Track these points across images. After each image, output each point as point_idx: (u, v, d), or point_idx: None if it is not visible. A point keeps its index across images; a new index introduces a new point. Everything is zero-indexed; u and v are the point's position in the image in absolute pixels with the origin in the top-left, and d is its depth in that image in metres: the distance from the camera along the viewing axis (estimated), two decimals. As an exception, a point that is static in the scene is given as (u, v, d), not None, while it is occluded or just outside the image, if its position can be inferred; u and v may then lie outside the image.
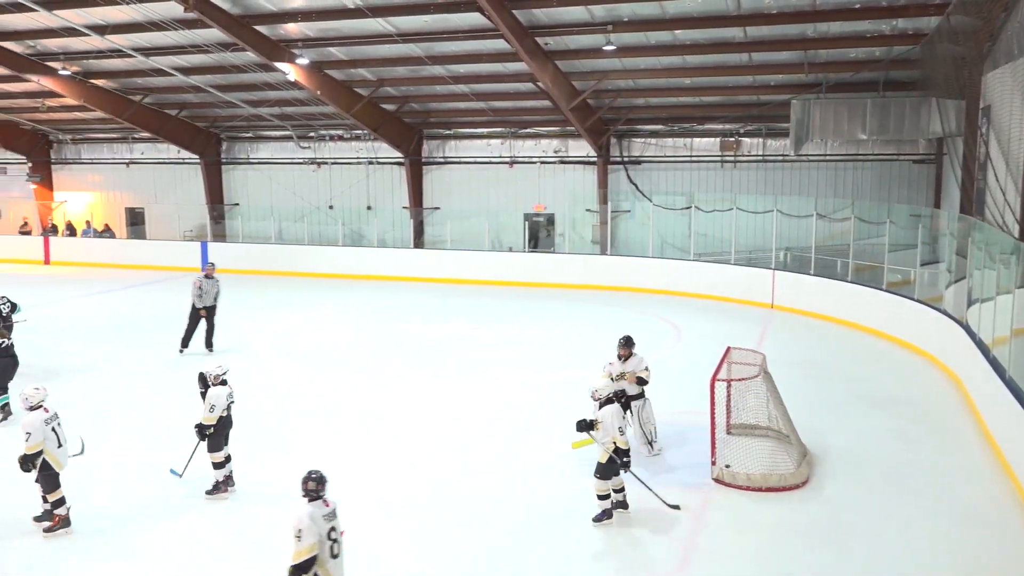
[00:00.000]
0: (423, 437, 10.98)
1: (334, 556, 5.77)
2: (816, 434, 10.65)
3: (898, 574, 7.46)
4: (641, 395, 10.22)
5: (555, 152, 26.74)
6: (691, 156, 25.34)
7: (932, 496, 9.11)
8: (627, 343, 10.17)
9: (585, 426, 8.28)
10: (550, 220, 26.88)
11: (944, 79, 17.60)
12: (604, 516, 8.35)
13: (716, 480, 9.38)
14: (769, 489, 9.14)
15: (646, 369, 10.15)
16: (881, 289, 17.10)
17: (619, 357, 10.16)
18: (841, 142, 22.76)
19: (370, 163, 28.51)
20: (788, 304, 19.34)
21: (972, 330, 12.73)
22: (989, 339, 11.65)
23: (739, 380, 10.33)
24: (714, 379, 9.84)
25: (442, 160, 28.02)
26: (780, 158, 24.25)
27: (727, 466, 9.43)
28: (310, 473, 5.89)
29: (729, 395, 10.46)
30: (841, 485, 9.37)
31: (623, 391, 9.81)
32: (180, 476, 9.12)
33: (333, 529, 5.80)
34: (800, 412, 10.67)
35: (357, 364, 14.89)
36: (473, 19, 18.52)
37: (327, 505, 5.84)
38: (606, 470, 8.32)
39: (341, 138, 28.67)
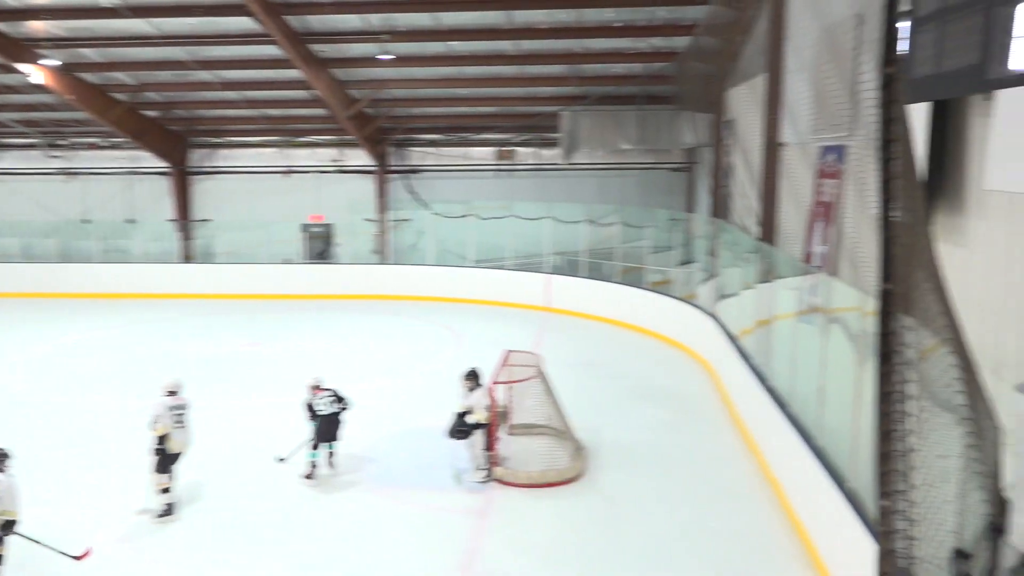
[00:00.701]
0: (209, 461, 10.36)
1: None
2: (591, 429, 11.19)
3: (670, 552, 8.00)
4: (480, 426, 9.91)
5: (332, 161, 26.25)
6: (468, 165, 25.83)
7: (695, 478, 9.87)
8: (471, 376, 10.06)
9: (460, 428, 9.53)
10: (329, 230, 26.34)
11: (694, 94, 19.17)
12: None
13: (498, 480, 9.60)
14: (548, 485, 9.48)
15: (485, 408, 9.85)
16: (644, 289, 18.32)
17: (468, 389, 10.01)
18: (607, 151, 24.14)
19: (131, 174, 26.54)
20: (562, 306, 20.20)
21: (722, 323, 13.94)
22: (736, 331, 12.82)
23: (517, 382, 10.65)
24: (493, 382, 10.07)
25: (212, 170, 26.63)
26: (552, 167, 25.31)
27: (506, 460, 9.68)
28: None
29: (508, 397, 10.75)
30: (615, 476, 9.91)
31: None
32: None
33: None
34: (575, 409, 11.17)
35: (124, 389, 13.76)
36: (243, 23, 17.78)
37: None
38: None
39: (97, 147, 26.44)
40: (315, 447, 9.69)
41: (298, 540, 8.28)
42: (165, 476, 8.69)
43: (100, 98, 22.36)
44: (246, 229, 24.95)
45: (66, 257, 25.42)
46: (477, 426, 9.76)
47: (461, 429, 9.73)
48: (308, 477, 9.69)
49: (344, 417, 9.85)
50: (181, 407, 8.88)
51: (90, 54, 20.37)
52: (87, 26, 18.72)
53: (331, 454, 10.06)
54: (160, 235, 26.05)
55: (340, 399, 9.85)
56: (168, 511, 8.70)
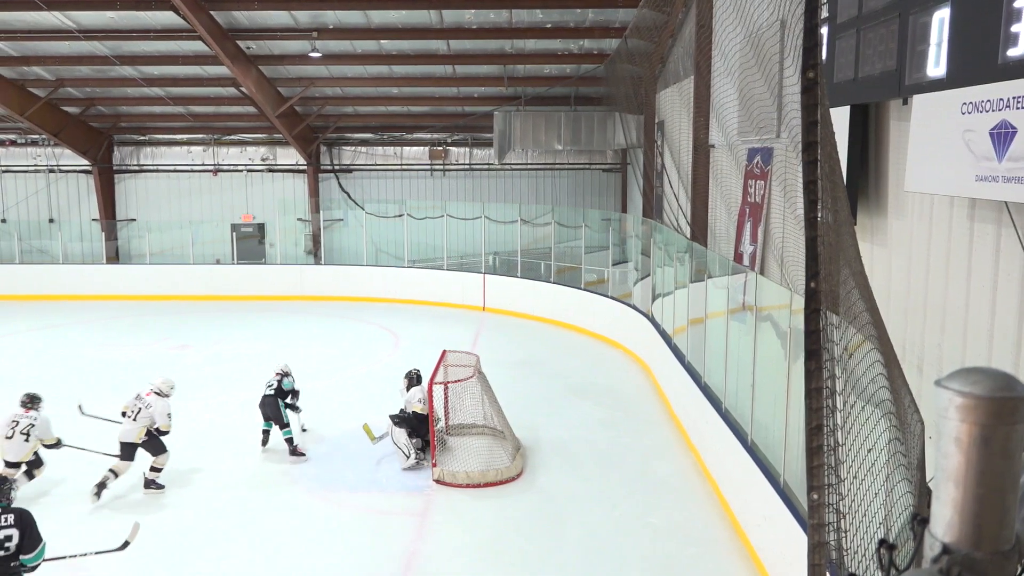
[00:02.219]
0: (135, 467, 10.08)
1: None
2: (529, 428, 11.27)
3: (609, 548, 8.11)
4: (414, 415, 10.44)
5: (263, 160, 25.82)
6: (401, 164, 25.70)
7: (633, 474, 10.02)
8: (407, 376, 10.95)
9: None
10: (260, 230, 25.89)
11: (625, 96, 19.43)
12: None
13: (437, 481, 9.60)
14: (487, 484, 9.52)
15: (419, 401, 10.43)
16: (580, 288, 18.50)
17: (406, 387, 10.86)
18: (540, 152, 24.30)
19: (51, 171, 25.64)
20: (498, 306, 20.27)
21: (656, 322, 14.18)
22: (670, 329, 13.05)
23: (455, 382, 10.66)
24: (431, 382, 10.06)
25: (137, 168, 25.91)
26: (486, 167, 25.37)
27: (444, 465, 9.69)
28: None
29: (446, 397, 10.75)
30: (554, 474, 10.00)
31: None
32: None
33: None
34: (514, 408, 11.24)
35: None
36: (167, 18, 17.33)
37: None
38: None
39: (14, 143, 25.46)
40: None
41: (232, 546, 8.13)
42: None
43: (16, 93, 21.52)
44: (174, 229, 24.35)
45: (-18, 259, 24.45)
46: (413, 415, 10.27)
47: (400, 417, 10.43)
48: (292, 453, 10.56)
49: (282, 402, 10.64)
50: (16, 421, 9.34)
51: (5, 48, 19.61)
52: (1, 19, 18.01)
53: (264, 432, 10.83)
54: (83, 235, 25.24)
55: (280, 385, 10.75)
56: None
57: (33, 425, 9.33)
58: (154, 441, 9.51)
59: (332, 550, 8.07)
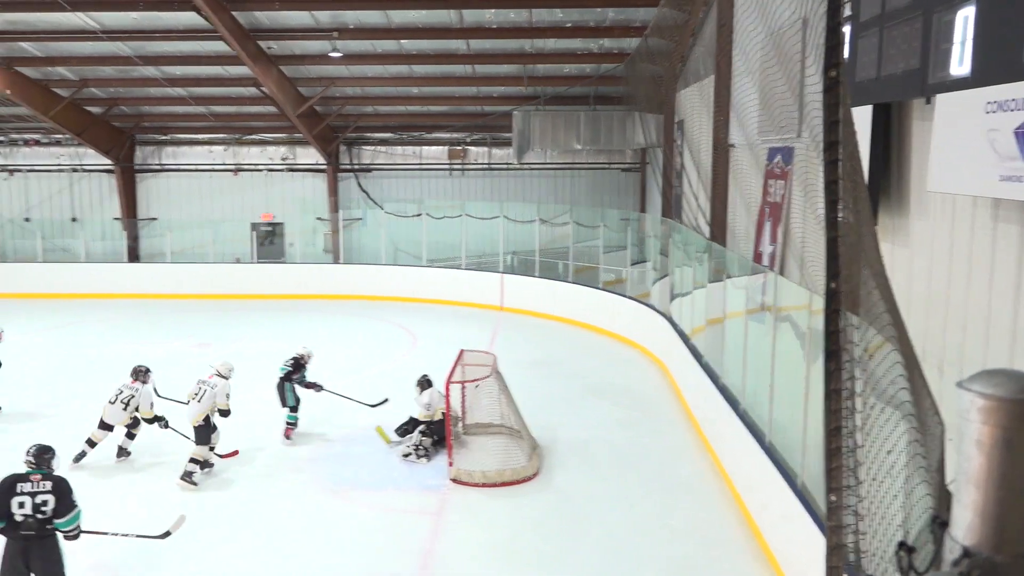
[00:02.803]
0: (157, 460, 10.18)
1: None
2: (546, 428, 11.25)
3: (627, 549, 8.09)
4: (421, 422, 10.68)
5: (283, 159, 25.95)
6: (420, 164, 25.75)
7: (650, 475, 9.98)
8: (419, 383, 10.92)
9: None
10: (279, 229, 26.02)
11: (645, 95, 19.37)
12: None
13: (454, 480, 9.60)
14: (504, 484, 9.51)
15: (425, 406, 10.63)
16: (598, 288, 18.45)
17: (419, 392, 10.90)
18: (559, 151, 24.25)
19: (74, 171, 25.91)
20: (516, 305, 20.25)
21: (675, 322, 14.12)
22: (688, 329, 12.99)
23: (472, 381, 10.67)
24: (448, 382, 10.07)
25: (158, 167, 26.13)
26: (505, 166, 25.35)
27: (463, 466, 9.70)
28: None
29: (463, 396, 10.76)
30: (571, 474, 9.97)
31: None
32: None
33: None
34: (530, 407, 11.22)
35: (67, 391, 13.43)
36: (189, 18, 17.46)
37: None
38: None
39: (38, 143, 25.75)
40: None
41: (247, 543, 8.17)
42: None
43: (40, 93, 21.77)
44: (194, 228, 24.53)
45: (7, 256, 24.74)
46: (419, 422, 10.54)
47: (408, 428, 10.88)
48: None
49: (288, 386, 11.21)
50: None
51: (30, 48, 19.84)
52: (25, 19, 18.21)
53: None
54: (105, 234, 25.48)
55: (292, 369, 11.31)
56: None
57: (133, 396, 10.15)
58: (205, 429, 9.83)
59: (347, 548, 8.10)
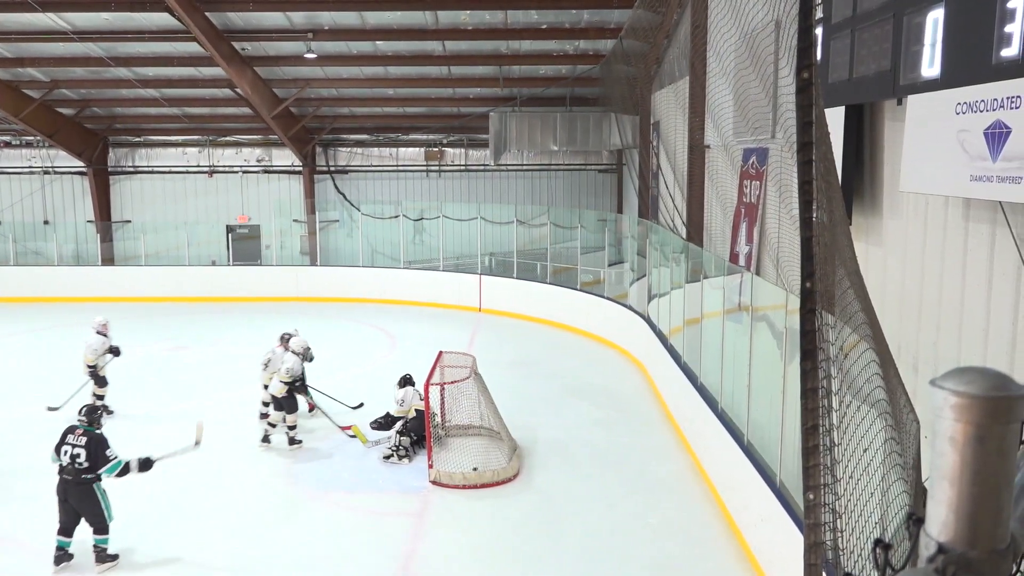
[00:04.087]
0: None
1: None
2: (526, 428, 11.27)
3: (607, 548, 8.12)
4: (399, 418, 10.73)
5: (258, 161, 25.79)
6: (397, 165, 25.70)
7: (630, 474, 10.02)
8: (404, 381, 11.05)
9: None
10: (255, 232, 25.85)
11: (620, 96, 19.45)
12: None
13: (434, 482, 9.59)
14: (484, 485, 9.51)
15: (399, 402, 10.80)
16: (576, 289, 18.51)
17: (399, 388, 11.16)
18: (536, 153, 24.30)
19: (45, 173, 25.58)
20: (494, 307, 20.26)
21: (652, 322, 14.19)
22: (666, 329, 13.06)
23: (452, 383, 10.66)
24: (428, 383, 10.06)
25: (132, 169, 25.87)
26: (481, 167, 25.36)
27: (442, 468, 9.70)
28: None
29: (443, 398, 10.75)
30: (551, 475, 9.99)
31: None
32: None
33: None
34: (510, 408, 11.24)
35: (42, 396, 13.23)
36: (162, 19, 17.31)
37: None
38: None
39: (8, 145, 25.41)
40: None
41: (229, 545, 8.11)
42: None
43: (11, 95, 21.48)
44: (169, 230, 24.30)
45: (-24, 261, 24.39)
46: (397, 419, 10.61)
47: (383, 421, 11.27)
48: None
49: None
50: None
51: (1, 50, 19.57)
52: (-5, 20, 17.99)
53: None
54: (78, 237, 25.18)
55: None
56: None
57: (271, 360, 11.33)
58: (290, 400, 10.80)
59: (329, 551, 8.06)
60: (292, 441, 10.84)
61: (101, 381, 12.13)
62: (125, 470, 7.78)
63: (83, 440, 7.63)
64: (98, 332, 12.37)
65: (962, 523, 1.25)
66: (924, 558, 1.29)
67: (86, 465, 7.57)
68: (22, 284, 22.72)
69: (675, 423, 11.64)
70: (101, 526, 7.73)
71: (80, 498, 7.65)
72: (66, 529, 7.71)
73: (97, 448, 7.64)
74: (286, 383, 10.75)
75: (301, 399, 11.07)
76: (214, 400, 12.72)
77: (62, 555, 7.72)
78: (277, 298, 22.20)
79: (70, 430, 7.75)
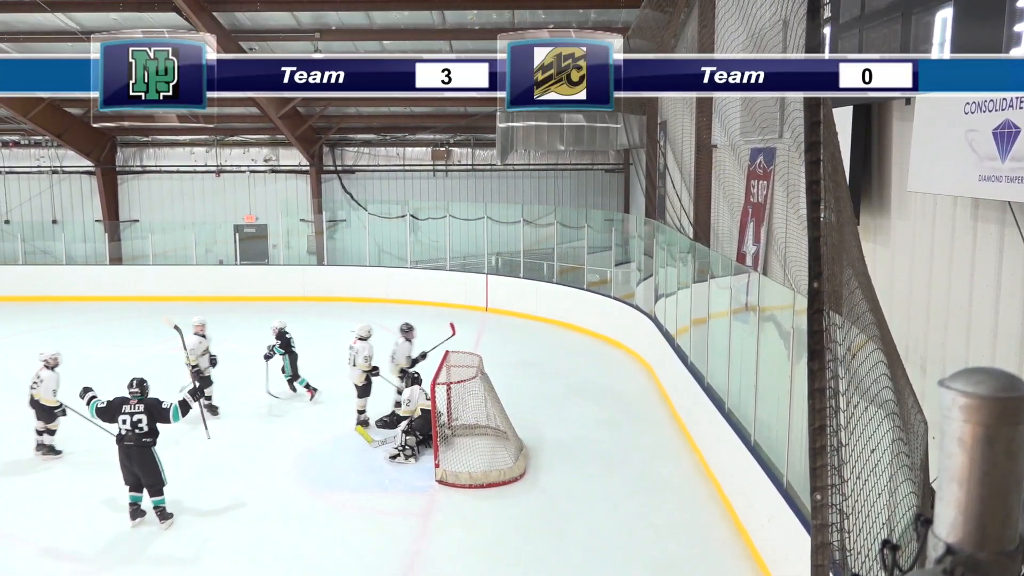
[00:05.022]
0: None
1: None
2: (532, 428, 11.26)
3: (612, 549, 8.11)
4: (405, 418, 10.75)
5: (265, 161, 25.83)
6: (404, 165, 25.71)
7: (636, 475, 10.01)
8: (406, 328, 12.10)
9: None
10: (263, 231, 25.88)
11: (628, 96, 19.39)
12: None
13: (440, 482, 9.59)
14: (490, 485, 9.51)
15: (406, 403, 10.80)
16: (582, 289, 18.48)
17: (404, 340, 11.99)
18: (542, 152, 24.27)
19: (54, 172, 25.67)
20: (501, 306, 20.25)
21: (659, 322, 14.16)
22: (673, 329, 13.04)
23: (458, 383, 10.67)
24: (434, 383, 10.06)
25: (140, 169, 25.94)
26: (488, 167, 25.35)
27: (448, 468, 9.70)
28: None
29: (449, 398, 10.76)
30: (557, 475, 9.98)
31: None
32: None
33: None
34: (516, 408, 11.23)
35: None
36: (169, 19, 17.35)
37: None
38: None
39: (17, 144, 25.50)
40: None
41: (234, 546, 8.13)
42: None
43: (20, 94, 21.53)
44: (177, 230, 24.36)
45: (-15, 260, 24.50)
46: (403, 418, 10.59)
47: (388, 420, 11.39)
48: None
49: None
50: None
51: (8, 49, 19.64)
52: (3, 20, 18.06)
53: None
54: (86, 236, 25.27)
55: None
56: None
57: (395, 352, 11.97)
58: (366, 387, 11.55)
59: (334, 551, 8.07)
60: (359, 417, 11.62)
61: (206, 381, 11.98)
62: (185, 407, 8.74)
63: (140, 408, 8.49)
64: (195, 333, 12.28)
65: (971, 524, 1.24)
66: (932, 559, 1.28)
67: (146, 429, 8.46)
68: (31, 283, 22.82)
69: (681, 423, 11.62)
70: (158, 488, 8.55)
71: (142, 461, 8.47)
72: (136, 486, 8.57)
73: (156, 410, 8.56)
74: (366, 371, 11.49)
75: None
76: (219, 399, 12.73)
77: (136, 509, 8.58)
78: (284, 297, 22.23)
79: (122, 402, 8.55)
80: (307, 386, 12.92)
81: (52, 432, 10.50)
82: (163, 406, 8.59)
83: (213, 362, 12.37)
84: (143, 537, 8.36)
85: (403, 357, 11.86)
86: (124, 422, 8.46)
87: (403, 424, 10.49)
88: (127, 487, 8.57)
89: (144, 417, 8.47)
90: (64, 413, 10.36)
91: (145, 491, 8.57)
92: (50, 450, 10.50)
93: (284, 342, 12.86)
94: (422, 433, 10.37)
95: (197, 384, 9.61)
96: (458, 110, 23.88)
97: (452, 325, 12.49)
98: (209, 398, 11.91)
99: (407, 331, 12.14)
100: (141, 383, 8.74)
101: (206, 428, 9.65)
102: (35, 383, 10.45)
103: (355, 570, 7.74)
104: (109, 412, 8.59)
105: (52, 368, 10.51)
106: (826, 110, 2.98)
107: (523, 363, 15.36)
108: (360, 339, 11.62)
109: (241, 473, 10.06)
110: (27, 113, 21.67)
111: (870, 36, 6.52)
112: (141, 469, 8.49)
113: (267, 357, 12.74)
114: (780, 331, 7.98)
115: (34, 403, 10.36)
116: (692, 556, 8.05)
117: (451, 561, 7.89)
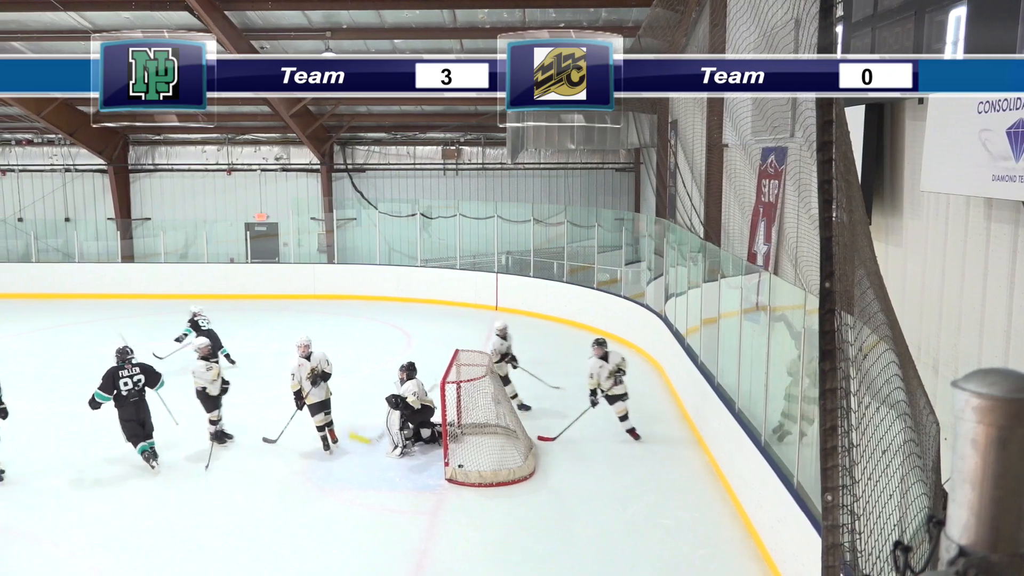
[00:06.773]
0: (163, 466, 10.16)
1: None
2: (541, 428, 11.25)
3: (621, 548, 8.10)
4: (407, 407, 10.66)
5: (276, 159, 25.91)
6: (414, 164, 25.74)
7: (645, 474, 9.99)
8: (402, 369, 11.00)
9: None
10: (273, 229, 25.96)
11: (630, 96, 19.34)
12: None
13: (450, 480, 9.60)
14: (499, 484, 9.51)
15: (413, 394, 10.51)
16: (593, 288, 18.46)
17: (401, 381, 10.85)
18: (553, 151, 24.26)
19: (67, 171, 25.82)
20: (511, 305, 20.24)
21: (669, 321, 14.13)
22: (683, 329, 13.01)
23: (468, 381, 10.67)
24: (444, 382, 10.07)
25: (152, 167, 26.06)
26: (499, 166, 25.35)
27: (460, 466, 9.69)
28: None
29: (459, 396, 10.76)
30: (566, 474, 9.98)
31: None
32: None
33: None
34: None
35: (63, 392, 13.37)
36: (181, 18, 17.42)
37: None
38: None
39: (31, 143, 25.66)
40: None
41: (242, 543, 8.16)
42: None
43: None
44: (188, 228, 24.48)
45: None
46: (406, 405, 10.44)
47: (395, 399, 10.73)
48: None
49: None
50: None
51: (21, 48, 19.76)
52: (17, 19, 18.16)
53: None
54: (99, 234, 25.41)
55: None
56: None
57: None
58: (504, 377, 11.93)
59: (343, 549, 8.09)
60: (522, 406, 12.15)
61: (212, 403, 11.14)
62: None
63: (137, 369, 10.17)
64: (200, 358, 11.20)
65: (984, 526, 1.23)
66: (945, 561, 1.27)
67: (144, 383, 10.15)
68: (43, 280, 22.97)
69: (691, 422, 11.59)
70: (151, 431, 10.13)
71: (146, 409, 10.15)
72: (143, 436, 9.99)
73: (151, 372, 10.35)
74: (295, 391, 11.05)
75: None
76: (227, 397, 12.77)
77: (152, 452, 9.94)
78: (294, 295, 22.31)
79: (119, 368, 10.08)
80: (227, 356, 14.72)
81: (213, 422, 10.96)
82: (157, 372, 10.41)
83: (224, 389, 11.21)
84: (151, 534, 8.40)
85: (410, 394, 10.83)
86: (126, 384, 9.98)
87: (395, 418, 10.50)
88: (134, 443, 9.91)
89: (143, 377, 10.16)
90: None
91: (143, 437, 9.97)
92: (221, 437, 11.02)
93: (194, 324, 14.89)
94: (413, 422, 10.42)
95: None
96: (469, 109, 23.87)
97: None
98: (215, 422, 10.99)
99: (408, 369, 10.98)
100: (124, 352, 10.28)
101: (171, 413, 10.69)
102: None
103: (364, 568, 7.75)
104: (110, 384, 9.95)
105: (206, 359, 11.23)
106: (838, 109, 2.97)
107: (533, 362, 15.29)
108: (498, 336, 12.40)
109: (250, 471, 10.10)
110: (40, 112, 21.80)
111: (883, 35, 6.49)
112: (146, 416, 10.10)
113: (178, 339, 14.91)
114: (791, 331, 7.95)
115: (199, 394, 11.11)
116: (702, 557, 8.03)
117: (460, 559, 7.90)
